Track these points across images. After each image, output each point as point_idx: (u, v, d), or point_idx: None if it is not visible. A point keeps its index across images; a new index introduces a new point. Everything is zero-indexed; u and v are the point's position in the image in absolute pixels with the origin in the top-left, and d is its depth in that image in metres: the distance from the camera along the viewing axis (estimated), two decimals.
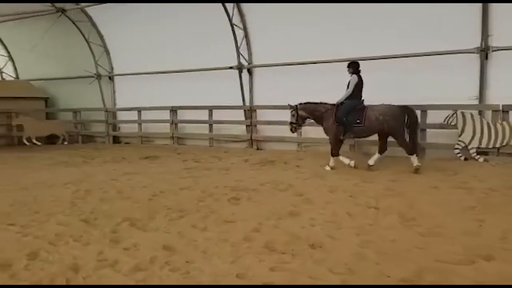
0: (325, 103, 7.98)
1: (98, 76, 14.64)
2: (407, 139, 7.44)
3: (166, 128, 13.19)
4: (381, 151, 7.67)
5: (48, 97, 15.87)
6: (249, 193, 5.88)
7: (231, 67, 11.56)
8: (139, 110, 13.62)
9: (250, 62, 11.62)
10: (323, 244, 3.77)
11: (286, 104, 8.29)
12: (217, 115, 12.07)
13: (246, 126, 11.68)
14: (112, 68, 14.71)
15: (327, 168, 7.85)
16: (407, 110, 7.48)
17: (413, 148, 7.42)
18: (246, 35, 11.46)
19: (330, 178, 6.94)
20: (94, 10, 13.47)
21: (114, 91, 14.91)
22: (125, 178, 7.40)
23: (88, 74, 14.60)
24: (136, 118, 13.76)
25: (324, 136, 8.24)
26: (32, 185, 6.82)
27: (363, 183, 6.49)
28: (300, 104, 8.08)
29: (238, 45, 11.36)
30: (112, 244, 3.91)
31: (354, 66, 7.77)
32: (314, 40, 10.20)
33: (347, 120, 7.60)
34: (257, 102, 11.67)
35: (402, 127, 7.43)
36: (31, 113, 14.44)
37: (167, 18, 12.50)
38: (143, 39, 13.28)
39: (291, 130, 8.34)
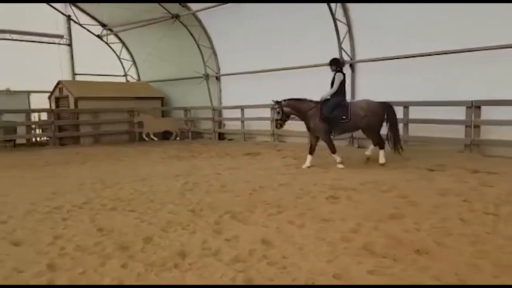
0: (310, 100, 7.95)
1: (207, 77, 15.65)
2: (388, 134, 7.76)
3: (267, 125, 13.52)
4: (375, 144, 7.94)
5: (163, 97, 17.46)
6: (348, 192, 5.72)
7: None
8: (242, 108, 14.24)
9: (352, 58, 11.26)
10: (430, 251, 3.49)
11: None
12: None
13: None
14: (219, 69, 15.59)
15: (340, 166, 7.80)
16: (386, 106, 7.63)
17: (383, 143, 7.77)
18: (349, 30, 11.12)
19: (440, 180, 6.38)
20: (203, 14, 14.42)
21: (220, 90, 15.79)
22: (228, 173, 7.80)
23: (197, 74, 15.70)
24: (239, 115, 14.41)
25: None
26: (149, 176, 7.59)
27: (480, 186, 5.84)
28: (285, 100, 8.06)
29: (340, 40, 11.09)
30: (215, 234, 4.15)
31: (337, 64, 7.78)
32: (421, 32, 9.47)
33: (333, 116, 7.49)
34: (359, 98, 11.27)
35: (381, 123, 7.68)
36: (150, 111, 16.05)
37: (268, 19, 12.79)
38: (247, 40, 13.79)
39: (276, 126, 8.38)
